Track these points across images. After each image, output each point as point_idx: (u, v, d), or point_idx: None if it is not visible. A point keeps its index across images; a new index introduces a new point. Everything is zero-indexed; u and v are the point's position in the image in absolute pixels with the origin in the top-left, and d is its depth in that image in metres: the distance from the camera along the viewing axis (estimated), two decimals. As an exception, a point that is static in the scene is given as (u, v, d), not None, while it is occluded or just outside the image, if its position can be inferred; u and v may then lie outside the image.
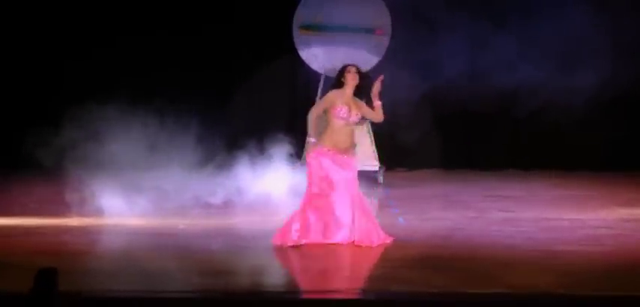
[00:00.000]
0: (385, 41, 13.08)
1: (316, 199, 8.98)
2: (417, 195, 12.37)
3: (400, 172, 13.90)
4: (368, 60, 13.02)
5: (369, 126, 13.05)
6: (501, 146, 14.07)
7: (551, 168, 13.77)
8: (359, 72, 9.07)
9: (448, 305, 7.26)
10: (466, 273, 7.98)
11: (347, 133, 9.03)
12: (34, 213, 10.44)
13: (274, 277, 8.22)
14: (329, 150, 8.97)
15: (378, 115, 9.15)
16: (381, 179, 13.20)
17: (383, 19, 13.01)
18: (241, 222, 10.15)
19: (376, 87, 9.01)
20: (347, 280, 8.11)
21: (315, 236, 8.95)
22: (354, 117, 9.00)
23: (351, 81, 9.00)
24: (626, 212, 10.88)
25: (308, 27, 12.81)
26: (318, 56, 12.66)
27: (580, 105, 13.16)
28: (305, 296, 7.46)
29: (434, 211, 10.96)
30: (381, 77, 9.08)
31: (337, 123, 8.98)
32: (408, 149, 13.83)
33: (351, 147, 9.08)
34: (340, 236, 8.99)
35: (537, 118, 13.77)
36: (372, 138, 13.12)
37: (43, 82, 13.57)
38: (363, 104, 9.05)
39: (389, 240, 9.15)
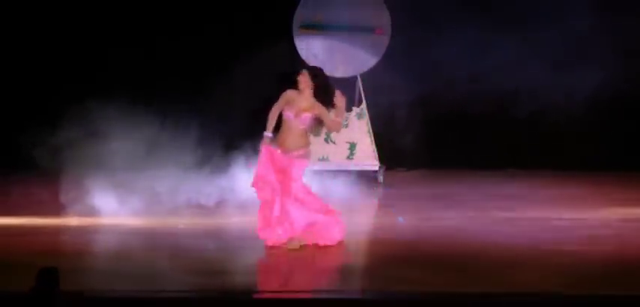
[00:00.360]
0: (385, 41, 13.08)
1: (261, 185, 9.05)
2: (417, 194, 12.37)
3: (400, 172, 13.88)
4: (367, 59, 13.02)
5: (369, 125, 13.04)
6: (501, 146, 14.05)
7: (551, 168, 13.76)
8: (315, 75, 9.10)
9: (448, 305, 7.26)
10: (466, 273, 7.99)
11: (295, 134, 9.04)
12: (34, 213, 10.44)
13: (272, 277, 8.22)
14: (277, 148, 9.06)
15: (333, 126, 9.18)
16: (381, 178, 13.20)
17: (383, 18, 13.01)
18: (241, 221, 10.15)
19: (339, 101, 9.02)
20: (346, 279, 8.12)
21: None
22: (301, 120, 9.03)
23: (304, 84, 9.04)
24: (626, 212, 10.88)
25: (308, 26, 12.81)
26: (318, 56, 12.65)
27: (580, 106, 13.15)
28: (304, 295, 7.46)
29: (434, 211, 10.95)
30: (340, 93, 9.06)
31: (287, 122, 9.07)
32: (408, 149, 13.81)
33: (298, 148, 9.06)
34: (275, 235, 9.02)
35: (537, 118, 13.75)
36: (372, 137, 13.12)
37: (41, 82, 13.52)
38: (320, 107, 9.04)
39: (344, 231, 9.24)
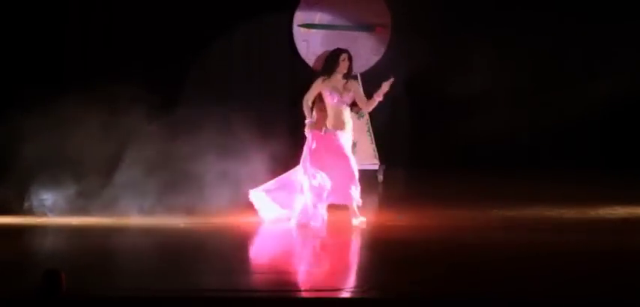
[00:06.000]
0: (386, 39, 13.08)
1: (315, 170, 10.00)
2: (417, 194, 12.37)
3: (400, 171, 13.89)
4: (368, 58, 13.02)
5: (369, 124, 13.04)
6: (502, 145, 14.07)
7: (551, 168, 13.78)
8: (350, 57, 10.01)
9: (448, 305, 7.27)
10: (465, 274, 7.99)
11: (339, 114, 9.96)
12: (34, 213, 10.45)
13: (274, 276, 8.22)
14: (326, 131, 10.00)
15: (365, 105, 10.04)
16: (380, 177, 13.21)
17: (383, 16, 13.02)
18: (241, 222, 10.17)
19: (386, 87, 9.69)
20: (346, 279, 8.13)
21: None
22: (344, 101, 9.91)
23: (343, 67, 9.93)
24: (626, 212, 10.89)
25: (308, 26, 12.82)
26: (318, 55, 12.66)
27: (580, 106, 13.18)
28: (304, 295, 7.47)
29: (434, 211, 10.96)
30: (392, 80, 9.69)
31: (329, 105, 9.95)
32: (408, 147, 13.83)
33: (343, 127, 10.00)
34: None
35: (538, 118, 13.77)
36: (372, 136, 13.13)
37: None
38: (353, 84, 10.01)
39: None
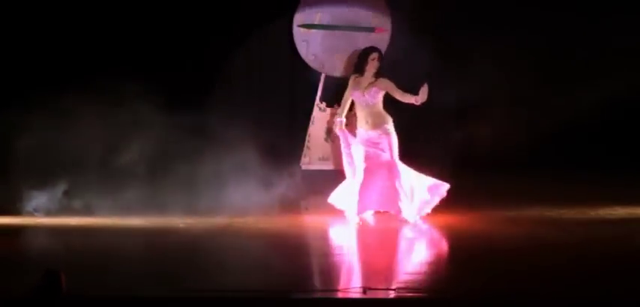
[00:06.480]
0: (386, 39, 13.06)
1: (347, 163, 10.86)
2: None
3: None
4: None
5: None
6: (502, 145, 14.05)
7: (551, 168, 13.76)
8: (381, 55, 10.84)
9: (448, 304, 7.27)
10: (467, 273, 8.00)
11: (368, 112, 10.61)
12: (34, 213, 10.45)
13: (274, 276, 8.24)
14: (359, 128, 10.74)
15: (404, 98, 10.56)
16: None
17: (383, 17, 13.00)
18: (241, 223, 10.18)
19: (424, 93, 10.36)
20: (347, 280, 8.13)
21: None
22: (370, 96, 10.56)
23: (371, 65, 10.77)
24: (626, 212, 10.89)
25: (308, 26, 12.79)
26: (317, 56, 12.64)
27: (580, 107, 13.16)
28: (305, 295, 7.47)
29: (434, 211, 10.96)
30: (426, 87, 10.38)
31: (356, 103, 10.68)
32: (408, 148, 13.78)
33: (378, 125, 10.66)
34: None
35: (538, 118, 13.75)
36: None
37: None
38: (385, 82, 10.62)
39: None
